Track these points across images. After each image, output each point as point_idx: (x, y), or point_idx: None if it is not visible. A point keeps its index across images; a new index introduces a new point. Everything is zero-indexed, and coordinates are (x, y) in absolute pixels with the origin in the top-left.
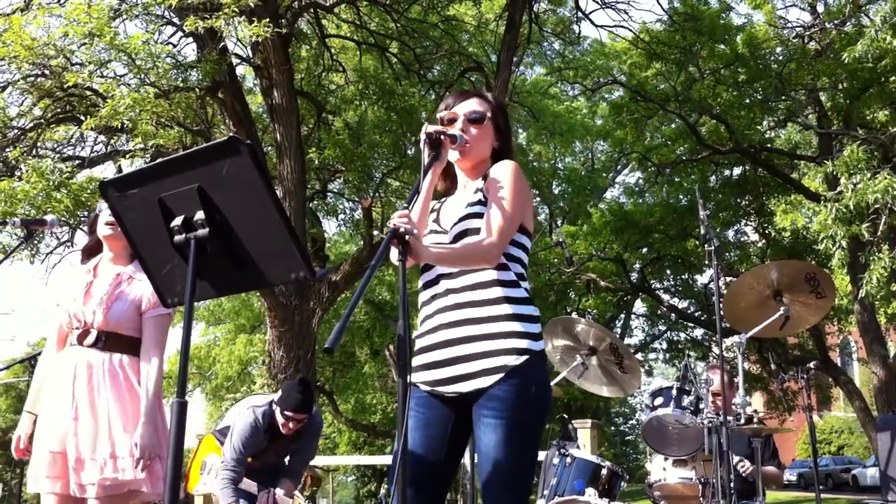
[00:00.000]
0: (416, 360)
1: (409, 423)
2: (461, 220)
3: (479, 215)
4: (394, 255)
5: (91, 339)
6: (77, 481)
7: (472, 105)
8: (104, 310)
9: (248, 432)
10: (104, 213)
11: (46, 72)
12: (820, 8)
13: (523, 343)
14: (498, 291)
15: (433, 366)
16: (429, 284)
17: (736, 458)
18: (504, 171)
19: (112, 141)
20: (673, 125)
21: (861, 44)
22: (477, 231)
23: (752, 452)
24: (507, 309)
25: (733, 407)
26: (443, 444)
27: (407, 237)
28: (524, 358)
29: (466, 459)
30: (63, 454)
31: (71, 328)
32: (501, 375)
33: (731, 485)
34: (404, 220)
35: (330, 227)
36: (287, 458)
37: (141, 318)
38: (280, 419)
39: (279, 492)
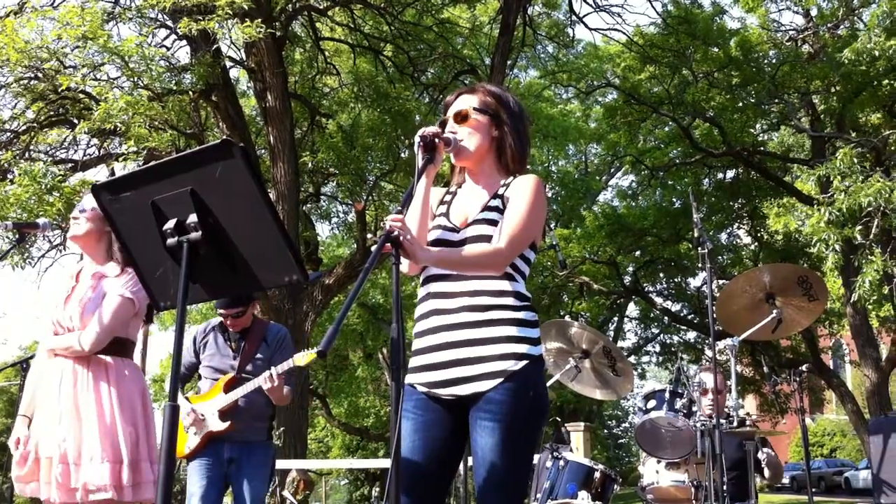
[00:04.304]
0: (415, 361)
1: (407, 426)
2: (474, 223)
3: (494, 223)
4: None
5: None
6: (63, 486)
7: (459, 104)
8: (80, 312)
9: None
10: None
11: (39, 75)
12: (813, 11)
13: (522, 348)
14: (501, 297)
15: (431, 367)
16: (429, 281)
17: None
18: (527, 185)
19: (105, 144)
20: (666, 128)
21: (860, 41)
22: (489, 239)
23: (744, 455)
24: (508, 314)
25: (726, 409)
26: (440, 447)
27: (401, 240)
28: (523, 363)
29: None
30: (50, 459)
31: (56, 335)
32: (500, 380)
33: (724, 488)
34: (398, 224)
35: (323, 230)
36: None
37: None
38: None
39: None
